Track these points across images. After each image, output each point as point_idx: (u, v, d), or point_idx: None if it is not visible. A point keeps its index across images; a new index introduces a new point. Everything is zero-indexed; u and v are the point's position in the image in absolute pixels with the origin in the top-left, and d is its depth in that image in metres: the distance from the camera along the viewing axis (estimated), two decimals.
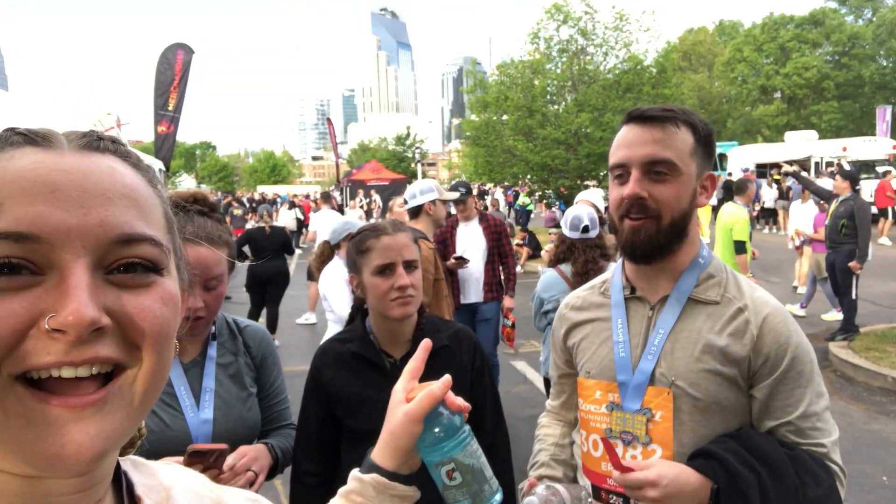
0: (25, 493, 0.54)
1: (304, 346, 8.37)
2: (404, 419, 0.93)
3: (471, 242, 5.47)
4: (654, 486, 1.39)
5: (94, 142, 0.59)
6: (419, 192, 4.33)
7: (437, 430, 0.92)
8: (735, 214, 7.29)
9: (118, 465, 0.66)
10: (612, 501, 1.59)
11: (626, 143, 1.55)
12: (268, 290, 8.51)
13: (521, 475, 1.86)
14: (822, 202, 9.71)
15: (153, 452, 1.52)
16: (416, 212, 4.31)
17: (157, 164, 13.36)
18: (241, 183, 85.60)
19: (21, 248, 0.51)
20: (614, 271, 1.73)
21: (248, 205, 30.14)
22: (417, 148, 54.96)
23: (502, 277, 5.64)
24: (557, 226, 18.21)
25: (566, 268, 4.00)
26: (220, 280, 1.73)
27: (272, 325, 8.63)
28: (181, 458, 1.48)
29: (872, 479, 4.57)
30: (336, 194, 19.62)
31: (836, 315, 8.79)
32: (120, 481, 0.65)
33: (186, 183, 74.93)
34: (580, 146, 19.54)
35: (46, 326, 0.50)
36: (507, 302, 5.61)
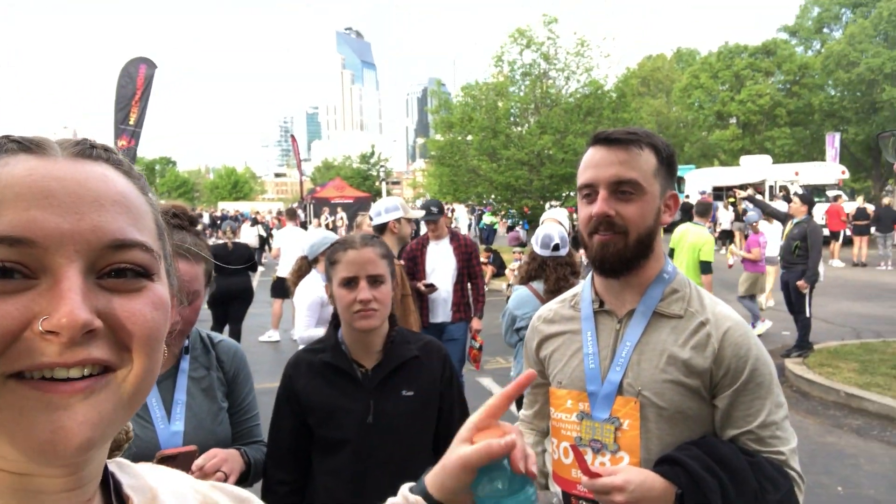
0: (17, 491, 0.55)
1: (268, 363, 8.27)
2: (457, 462, 0.87)
3: (441, 261, 5.47)
4: (621, 491, 1.44)
5: (87, 149, 0.61)
6: (384, 209, 4.37)
7: (492, 483, 0.84)
8: (702, 235, 7.51)
9: (105, 467, 0.66)
10: None
11: (594, 163, 1.62)
12: (231, 307, 8.40)
13: None
14: (754, 224, 10.31)
15: (135, 453, 1.51)
16: (381, 229, 4.34)
17: None
18: (202, 199, 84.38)
19: (15, 251, 0.52)
20: (584, 286, 1.79)
21: (209, 221, 29.72)
22: (382, 166, 55.02)
23: (470, 298, 5.64)
24: (521, 245, 18.47)
25: (538, 285, 4.06)
26: (198, 295, 1.75)
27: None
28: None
29: (828, 489, 4.73)
30: (300, 212, 19.51)
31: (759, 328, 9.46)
32: (107, 483, 0.66)
33: None
34: (543, 167, 19.87)
35: (40, 328, 0.51)
36: (475, 324, 5.62)
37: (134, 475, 0.72)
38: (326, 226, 23.05)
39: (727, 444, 1.55)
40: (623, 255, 1.59)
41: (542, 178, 19.78)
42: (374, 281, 1.90)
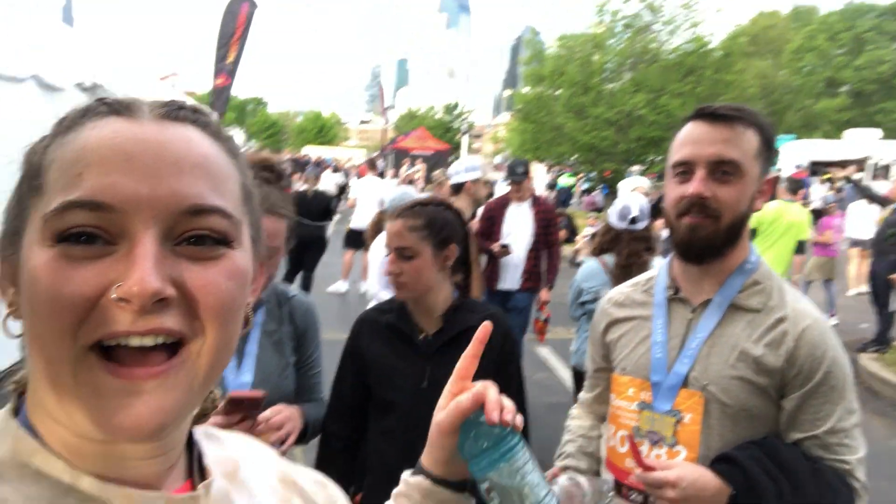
0: (104, 455, 0.57)
1: (331, 314, 8.33)
2: (435, 430, 0.88)
3: (519, 225, 5.31)
4: (673, 487, 1.42)
5: (174, 111, 0.60)
6: (464, 169, 4.35)
7: (476, 442, 0.83)
8: (801, 213, 7.05)
9: (191, 435, 0.68)
10: (632, 497, 1.62)
11: (693, 139, 1.53)
12: (305, 254, 8.62)
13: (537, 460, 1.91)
14: (831, 204, 9.78)
15: None
16: (457, 188, 4.33)
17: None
18: (289, 142, 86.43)
19: (96, 216, 0.52)
20: (660, 270, 1.73)
21: (294, 165, 30.43)
22: (465, 119, 54.65)
23: (543, 267, 5.44)
24: (598, 210, 17.97)
25: (609, 258, 3.89)
26: (278, 250, 1.78)
27: (306, 289, 8.77)
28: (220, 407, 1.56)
29: (888, 496, 4.47)
30: (380, 162, 19.61)
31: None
32: (192, 450, 0.68)
33: (236, 138, 75.94)
34: (631, 128, 19.14)
35: (113, 296, 0.51)
36: (545, 295, 5.44)
37: (219, 445, 0.74)
38: (410, 180, 23.20)
39: (790, 448, 1.50)
40: (712, 241, 1.52)
41: (629, 141, 19.09)
42: (402, 254, 1.91)
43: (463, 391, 0.86)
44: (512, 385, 1.99)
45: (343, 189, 20.20)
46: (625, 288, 1.82)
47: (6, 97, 5.73)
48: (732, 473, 1.44)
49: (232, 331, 0.59)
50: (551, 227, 5.44)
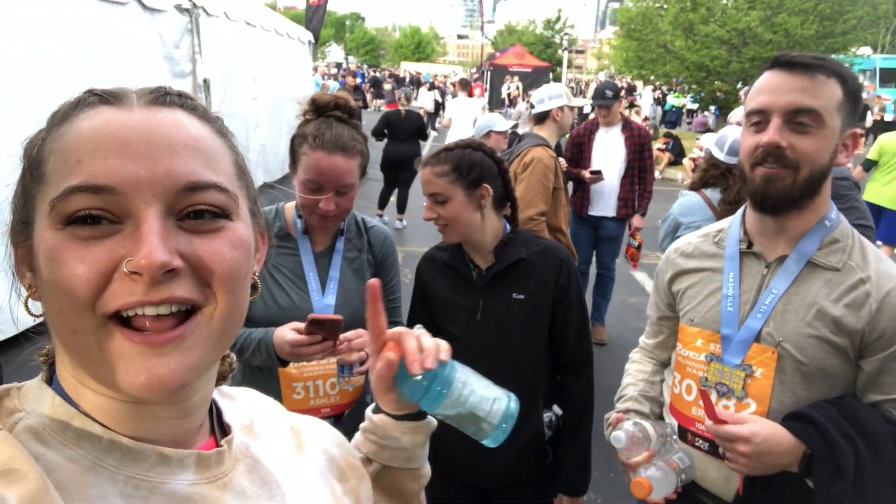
0: (136, 417, 0.61)
1: (427, 228, 8.48)
2: (374, 384, 0.91)
3: (609, 151, 5.14)
4: (746, 442, 1.40)
5: (162, 97, 0.63)
6: (547, 97, 4.17)
7: (410, 388, 0.86)
8: None
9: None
10: (697, 444, 1.61)
11: (769, 88, 1.45)
12: (400, 172, 8.74)
13: (617, 386, 1.92)
14: None
15: (282, 323, 1.73)
16: (541, 117, 4.18)
17: (306, 36, 13.67)
18: (386, 58, 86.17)
19: (99, 199, 0.55)
20: (732, 222, 1.67)
21: (394, 81, 30.40)
22: (566, 34, 52.21)
23: (636, 193, 5.25)
24: (707, 131, 17.01)
25: (712, 194, 3.58)
26: (352, 187, 1.83)
27: (401, 206, 8.96)
28: (302, 326, 1.68)
29: None
30: (475, 78, 19.24)
31: None
32: (212, 410, 0.73)
33: (334, 53, 76.45)
34: (745, 48, 17.75)
35: (125, 269, 0.54)
36: (637, 221, 5.26)
37: (234, 402, 0.80)
38: (507, 96, 22.69)
39: (869, 409, 1.44)
40: (789, 192, 1.44)
41: (742, 61, 17.74)
42: (436, 200, 1.93)
43: (384, 345, 0.88)
44: (571, 316, 1.99)
45: (440, 106, 20.10)
46: (693, 238, 1.76)
47: (110, 20, 6.00)
48: (808, 432, 1.39)
49: (241, 297, 0.63)
50: (644, 151, 5.20)
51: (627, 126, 5.23)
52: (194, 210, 0.59)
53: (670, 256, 1.79)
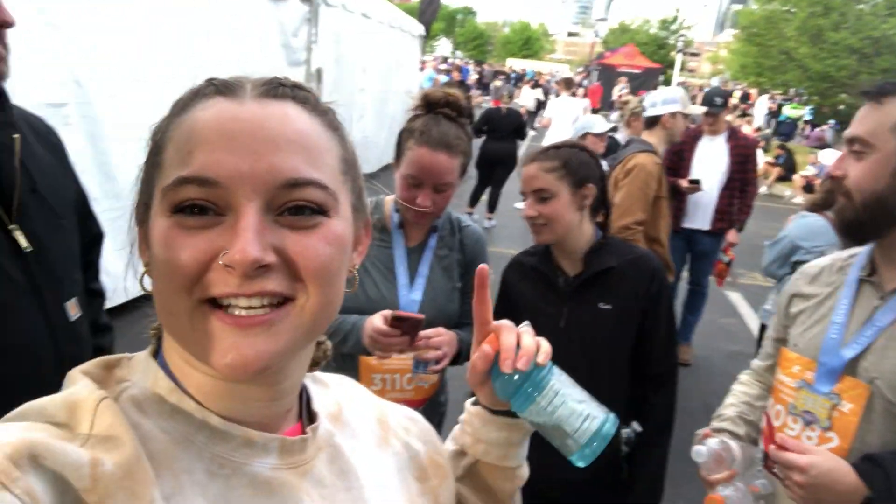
0: (229, 397, 0.64)
1: (515, 230, 8.51)
2: (468, 379, 0.90)
3: (711, 161, 4.93)
4: (802, 472, 1.37)
5: (274, 88, 0.64)
6: (661, 101, 4.03)
7: (502, 385, 0.84)
8: None
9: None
10: (774, 471, 1.57)
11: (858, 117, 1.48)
12: (495, 170, 8.74)
13: (703, 407, 1.88)
14: None
15: (369, 313, 1.81)
16: (651, 122, 4.05)
17: (417, 29, 13.89)
18: (493, 53, 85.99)
19: (205, 191, 0.58)
20: (866, 247, 1.59)
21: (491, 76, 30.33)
22: (682, 35, 50.26)
23: (736, 207, 5.02)
24: (824, 146, 15.95)
25: None
26: (450, 185, 1.86)
27: (492, 205, 8.97)
28: (388, 315, 1.74)
29: None
30: (580, 78, 18.84)
31: None
32: (301, 395, 0.75)
33: (443, 47, 77.15)
34: (879, 58, 16.51)
35: (221, 262, 0.57)
36: (732, 236, 5.04)
37: (325, 389, 0.82)
38: (618, 98, 22.13)
39: None
40: (852, 221, 1.47)
41: (874, 72, 16.53)
42: (540, 196, 1.90)
43: (486, 336, 0.87)
44: (660, 327, 1.95)
45: (542, 105, 19.86)
46: (823, 261, 1.70)
47: (237, 8, 6.36)
48: (874, 475, 1.33)
49: (334, 292, 0.64)
50: (749, 163, 4.97)
51: (733, 135, 5.02)
52: (294, 206, 0.60)
53: (795, 277, 1.75)
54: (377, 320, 1.76)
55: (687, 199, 5.00)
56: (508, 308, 2.08)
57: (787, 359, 1.61)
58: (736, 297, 6.99)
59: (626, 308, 1.93)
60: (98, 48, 4.44)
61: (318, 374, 0.84)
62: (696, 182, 4.83)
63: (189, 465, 0.61)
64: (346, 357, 2.00)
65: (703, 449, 1.55)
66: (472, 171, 9.25)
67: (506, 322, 0.87)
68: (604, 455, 2.04)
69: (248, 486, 0.63)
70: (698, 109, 4.38)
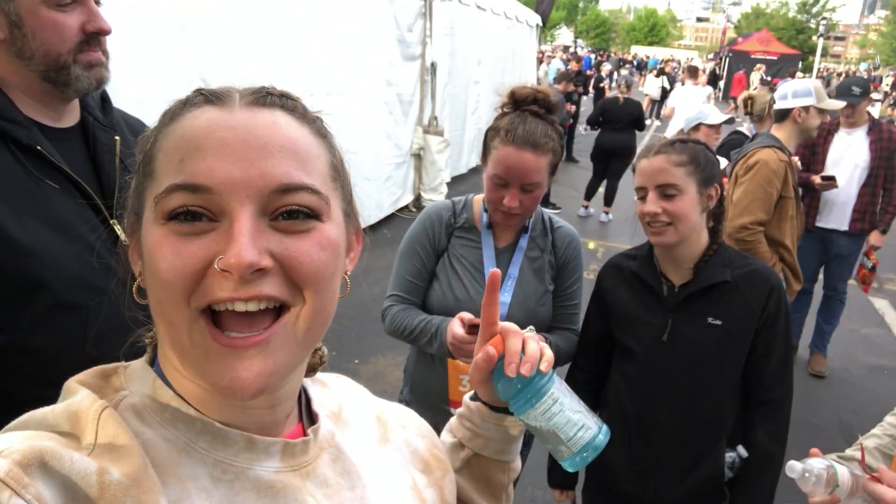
0: (227, 405, 0.65)
1: (632, 224, 8.14)
2: (472, 378, 0.92)
3: (850, 155, 4.48)
4: None
5: (263, 97, 0.65)
6: (791, 93, 3.63)
7: (504, 386, 0.87)
8: None
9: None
10: None
11: None
12: (611, 162, 8.45)
13: (837, 423, 1.70)
14: None
15: (457, 312, 1.75)
16: (782, 115, 3.67)
17: (534, 19, 13.70)
18: (617, 41, 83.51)
19: (198, 197, 0.58)
20: None
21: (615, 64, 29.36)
22: (825, 18, 46.26)
23: (879, 206, 4.53)
24: None
25: None
26: (538, 185, 1.78)
27: (609, 198, 8.68)
28: (468, 317, 1.68)
29: None
30: (711, 66, 17.78)
31: None
32: (300, 397, 0.76)
33: (564, 36, 75.79)
34: None
35: (217, 267, 0.57)
36: (875, 238, 4.56)
37: (324, 388, 0.84)
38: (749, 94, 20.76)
39: None
40: None
41: None
42: (664, 192, 1.73)
43: (492, 336, 0.88)
44: (775, 349, 1.77)
45: (666, 93, 18.99)
46: None
47: (351, 5, 6.52)
48: None
49: (328, 297, 0.65)
50: (894, 159, 4.46)
51: (875, 128, 4.52)
52: (287, 210, 0.61)
53: None
54: (456, 326, 1.71)
55: (821, 197, 4.58)
56: (602, 311, 1.97)
57: None
58: (883, 305, 6.36)
59: (739, 325, 1.76)
60: (219, 47, 4.69)
61: (320, 375, 0.85)
62: (830, 178, 4.41)
63: (193, 471, 0.61)
64: (432, 357, 1.98)
65: (798, 465, 1.42)
66: (588, 164, 9.05)
67: (512, 325, 0.89)
68: (702, 476, 1.90)
69: (252, 489, 0.64)
70: (836, 104, 3.87)
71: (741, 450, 1.81)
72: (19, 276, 1.16)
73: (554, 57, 24.51)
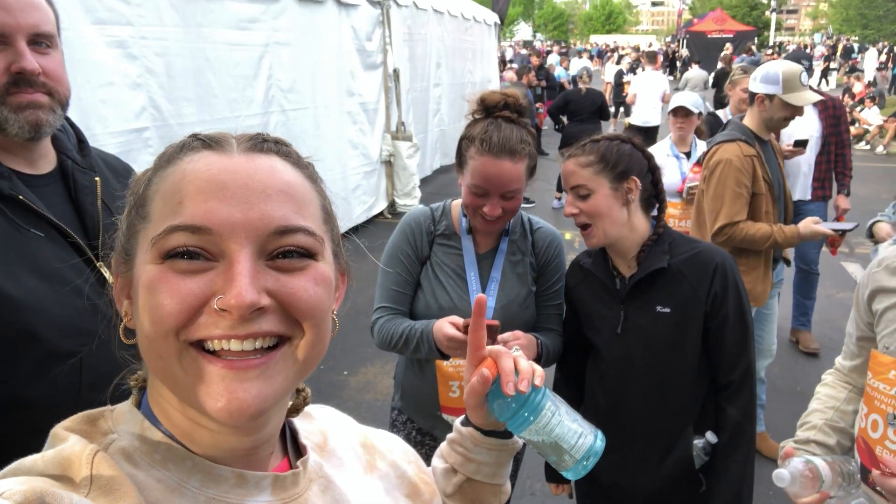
0: (216, 447, 0.65)
1: None
2: (466, 401, 0.92)
3: (801, 126, 4.44)
4: None
5: (259, 143, 0.67)
6: (760, 77, 3.26)
7: (500, 407, 0.87)
8: None
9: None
10: (876, 488, 1.42)
11: None
12: None
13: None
14: None
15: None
16: (751, 99, 3.30)
17: (492, 18, 13.77)
18: (575, 32, 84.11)
19: (197, 238, 0.59)
20: None
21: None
22: None
23: (835, 172, 4.69)
24: None
25: None
26: (519, 192, 1.80)
27: None
28: (460, 321, 1.71)
29: None
30: (673, 47, 17.90)
31: None
32: (285, 431, 0.78)
33: (522, 31, 76.21)
34: None
35: (215, 306, 0.58)
36: (842, 202, 4.67)
37: (308, 420, 0.85)
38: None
39: None
40: None
41: None
42: (578, 193, 1.79)
43: (482, 361, 0.89)
44: (727, 331, 1.78)
45: (622, 76, 18.96)
46: None
47: (311, 17, 6.53)
48: None
49: (324, 331, 0.66)
50: (841, 125, 4.61)
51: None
52: (283, 251, 0.63)
53: (872, 270, 1.57)
54: (448, 328, 1.71)
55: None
56: (572, 310, 2.00)
57: (881, 363, 1.46)
58: (855, 269, 6.46)
59: (687, 311, 1.78)
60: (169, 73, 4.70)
61: (306, 408, 0.86)
62: (803, 142, 4.31)
63: None
64: (420, 365, 2.00)
65: (786, 473, 1.41)
66: (557, 156, 9.11)
67: (501, 348, 0.90)
68: (674, 462, 1.91)
69: None
70: (806, 98, 3.24)
71: (710, 436, 1.82)
72: (13, 329, 1.15)
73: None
